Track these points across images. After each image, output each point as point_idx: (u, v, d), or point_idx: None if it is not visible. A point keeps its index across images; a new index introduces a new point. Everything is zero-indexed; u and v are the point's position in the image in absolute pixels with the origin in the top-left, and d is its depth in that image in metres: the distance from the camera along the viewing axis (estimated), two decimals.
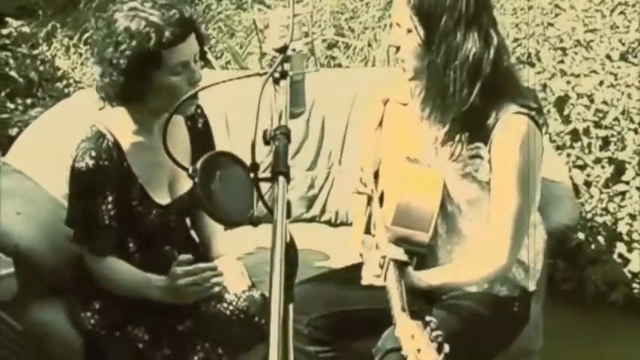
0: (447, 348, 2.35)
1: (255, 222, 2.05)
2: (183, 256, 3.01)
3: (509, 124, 2.82)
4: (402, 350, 2.61)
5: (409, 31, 2.81)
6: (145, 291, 3.05)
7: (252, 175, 2.00)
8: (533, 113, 2.85)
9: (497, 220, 2.88)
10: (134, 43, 2.86)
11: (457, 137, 2.88)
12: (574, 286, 4.54)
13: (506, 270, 2.95)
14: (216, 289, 3.04)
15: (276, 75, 2.21)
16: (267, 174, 1.94)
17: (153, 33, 2.85)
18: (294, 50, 2.31)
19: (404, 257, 2.79)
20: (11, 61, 5.81)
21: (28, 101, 5.62)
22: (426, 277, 2.89)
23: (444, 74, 2.80)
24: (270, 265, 1.88)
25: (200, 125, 3.26)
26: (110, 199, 3.01)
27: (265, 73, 2.22)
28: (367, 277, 2.88)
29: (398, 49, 2.89)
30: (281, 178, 1.90)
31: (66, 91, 5.75)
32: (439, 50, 2.79)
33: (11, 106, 5.47)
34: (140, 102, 2.99)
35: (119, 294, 3.07)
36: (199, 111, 3.24)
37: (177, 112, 2.94)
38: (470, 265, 2.96)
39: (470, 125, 2.85)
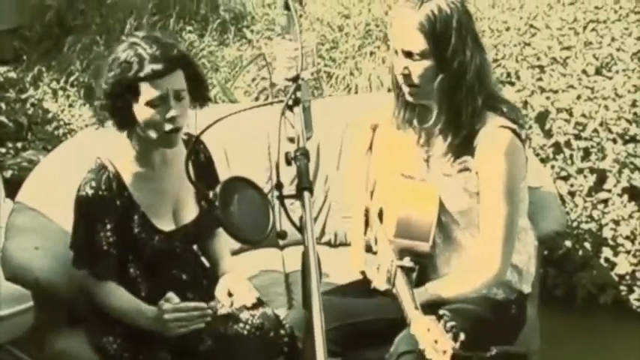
0: (462, 336, 2.48)
1: (282, 236, 2.21)
2: (169, 294, 3.09)
3: (494, 138, 2.97)
4: (415, 352, 2.76)
5: (421, 56, 2.93)
6: (135, 318, 3.14)
7: (276, 192, 2.16)
8: (515, 127, 3.00)
9: (488, 229, 3.02)
10: (118, 71, 3.01)
11: (452, 151, 3.02)
12: (565, 291, 4.66)
13: (501, 275, 3.08)
14: (202, 325, 3.11)
15: (290, 102, 2.35)
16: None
17: (136, 64, 2.99)
18: (302, 79, 2.43)
19: (410, 264, 2.92)
20: (1, 107, 5.83)
21: (19, 145, 5.64)
22: (432, 290, 3.03)
23: (456, 90, 2.94)
24: (302, 271, 2.02)
25: (203, 159, 3.37)
26: (109, 226, 3.13)
27: (275, 103, 2.38)
28: (376, 283, 3.02)
29: (405, 76, 2.99)
30: (306, 193, 2.06)
31: (56, 133, 5.79)
32: (451, 69, 2.93)
33: (2, 150, 5.49)
34: (131, 129, 3.12)
35: (115, 318, 3.17)
36: (202, 147, 3.36)
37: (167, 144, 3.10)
38: (468, 274, 3.08)
39: (462, 139, 3.01)
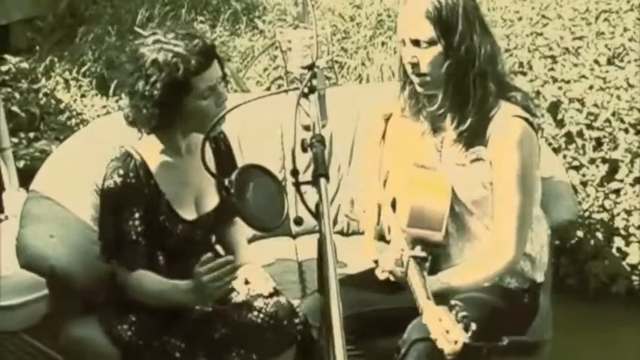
0: (473, 326, 2.49)
1: (298, 222, 2.23)
2: (205, 256, 3.06)
3: (507, 127, 2.97)
4: (428, 340, 2.76)
5: (429, 43, 2.95)
6: (173, 296, 3.13)
7: (292, 179, 2.17)
8: (528, 115, 3.01)
9: (502, 217, 3.03)
10: (164, 74, 3.00)
11: (464, 140, 3.03)
12: (577, 280, 4.68)
13: (515, 263, 3.09)
14: (234, 282, 3.13)
15: (305, 90, 2.34)
16: None
17: (181, 63, 2.99)
18: (318, 67, 2.42)
19: (422, 253, 2.92)
20: (14, 96, 5.84)
21: (32, 135, 5.67)
22: (445, 279, 3.03)
23: (463, 76, 2.96)
24: (318, 258, 2.04)
25: (223, 148, 3.40)
26: (137, 215, 3.13)
27: (290, 91, 2.39)
28: (385, 266, 3.01)
29: (414, 65, 3.00)
30: (322, 180, 2.07)
31: (68, 123, 5.81)
32: (458, 55, 2.94)
33: (15, 140, 5.46)
34: (170, 127, 3.13)
35: (151, 304, 3.16)
36: (222, 135, 3.39)
37: (214, 130, 3.09)
38: (481, 263, 3.09)
39: (474, 127, 3.01)
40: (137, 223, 3.13)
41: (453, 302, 2.61)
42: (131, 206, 3.13)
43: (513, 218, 3.02)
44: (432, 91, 3.06)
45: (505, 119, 2.98)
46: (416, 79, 3.04)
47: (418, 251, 2.93)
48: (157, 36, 3.06)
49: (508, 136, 2.98)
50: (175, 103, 3.04)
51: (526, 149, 3.00)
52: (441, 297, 2.81)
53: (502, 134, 2.98)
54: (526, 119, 3.00)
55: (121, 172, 3.12)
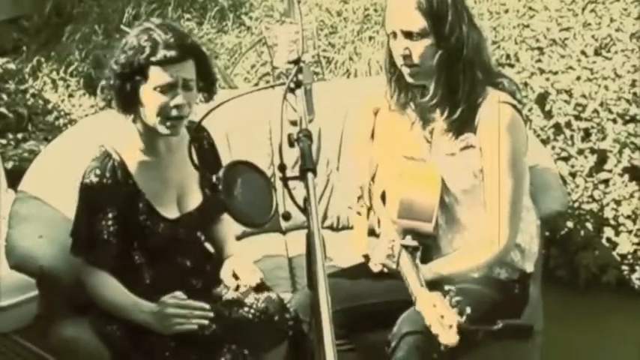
0: (468, 310, 2.52)
1: (286, 217, 2.22)
2: (178, 293, 3.11)
3: (495, 113, 2.99)
4: (418, 332, 2.78)
5: (420, 35, 2.96)
6: (129, 312, 3.15)
7: (280, 174, 2.17)
8: (515, 102, 3.04)
9: (494, 203, 3.04)
10: (130, 53, 3.03)
11: (453, 129, 3.04)
12: (568, 271, 4.68)
13: (508, 250, 3.10)
14: (194, 327, 3.11)
15: (292, 85, 2.33)
16: None
17: (148, 48, 3.01)
18: (304, 62, 2.41)
19: (414, 243, 2.95)
20: (2, 98, 5.82)
21: (20, 136, 5.64)
22: (434, 268, 3.04)
23: (454, 65, 2.98)
24: (306, 253, 2.03)
25: (206, 146, 3.40)
26: (110, 215, 3.14)
27: (276, 86, 2.38)
28: (378, 259, 3.03)
29: (405, 57, 3.02)
30: (309, 174, 2.07)
31: (56, 123, 5.80)
32: (449, 44, 2.96)
33: (3, 141, 5.48)
34: (137, 115, 3.12)
35: (107, 310, 3.18)
36: (205, 134, 3.38)
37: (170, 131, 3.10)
38: (473, 250, 3.10)
39: (464, 115, 3.03)
40: (110, 223, 3.14)
41: (446, 288, 2.62)
42: (105, 206, 3.14)
43: (505, 203, 3.03)
44: (422, 82, 3.07)
45: (493, 105, 3.00)
46: (406, 70, 3.05)
47: (409, 240, 2.95)
48: (149, 24, 3.09)
49: (497, 121, 2.99)
50: (131, 86, 3.06)
51: (515, 134, 3.02)
52: (434, 286, 2.82)
53: (491, 120, 3.00)
54: (514, 106, 3.02)
55: (98, 172, 3.13)
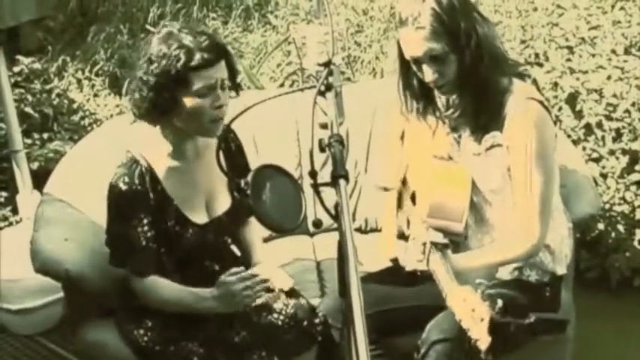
0: (500, 303, 2.48)
1: (317, 224, 2.18)
2: (234, 269, 3.07)
3: (522, 110, 2.95)
4: (447, 340, 2.74)
5: (445, 54, 2.89)
6: (193, 305, 3.10)
7: (311, 181, 2.13)
8: (542, 98, 3.01)
9: (524, 199, 3.00)
10: (164, 62, 2.96)
11: (480, 128, 3.01)
12: (599, 273, 4.64)
13: (538, 247, 3.06)
14: (263, 295, 3.13)
15: (322, 88, 2.30)
16: None
17: (183, 55, 2.95)
18: (334, 64, 2.38)
19: (444, 240, 2.91)
20: (27, 97, 5.86)
21: (45, 136, 5.68)
22: (464, 260, 3.00)
23: (478, 67, 2.92)
24: (337, 259, 2.01)
25: (234, 148, 3.35)
26: (145, 221, 3.09)
27: (306, 89, 2.35)
28: (410, 264, 2.96)
29: (435, 80, 2.96)
30: (341, 181, 2.03)
31: (82, 123, 5.83)
32: (470, 50, 2.90)
33: (28, 141, 5.48)
34: (169, 122, 3.07)
35: (165, 310, 3.14)
36: (232, 135, 3.34)
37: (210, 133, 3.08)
38: (504, 245, 3.07)
39: (489, 113, 2.99)
40: (146, 228, 3.10)
41: (478, 281, 2.57)
42: (139, 212, 3.10)
43: (535, 199, 3.00)
44: (450, 94, 3.04)
45: (520, 101, 2.97)
46: (438, 87, 3.01)
47: (440, 238, 2.91)
48: (170, 28, 3.04)
49: (525, 118, 2.96)
50: (170, 95, 3.00)
51: (543, 130, 2.98)
52: (465, 280, 2.79)
53: (518, 117, 2.96)
54: (541, 102, 2.99)
55: (127, 179, 3.08)
